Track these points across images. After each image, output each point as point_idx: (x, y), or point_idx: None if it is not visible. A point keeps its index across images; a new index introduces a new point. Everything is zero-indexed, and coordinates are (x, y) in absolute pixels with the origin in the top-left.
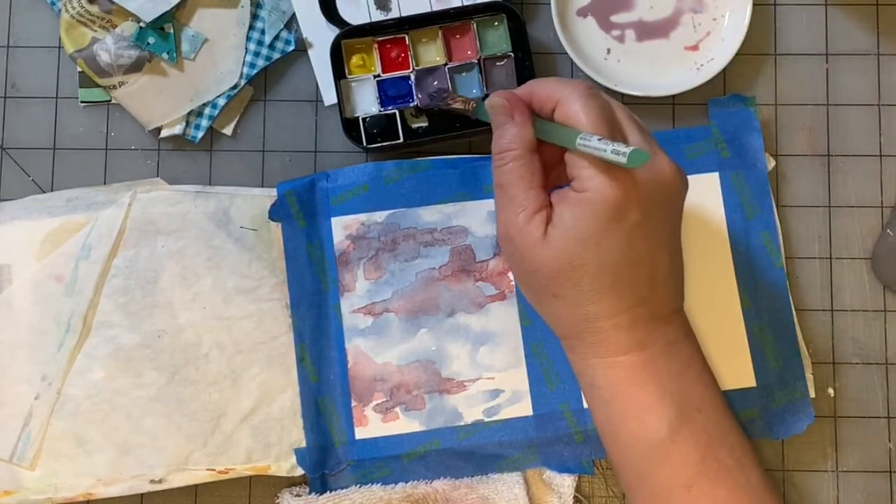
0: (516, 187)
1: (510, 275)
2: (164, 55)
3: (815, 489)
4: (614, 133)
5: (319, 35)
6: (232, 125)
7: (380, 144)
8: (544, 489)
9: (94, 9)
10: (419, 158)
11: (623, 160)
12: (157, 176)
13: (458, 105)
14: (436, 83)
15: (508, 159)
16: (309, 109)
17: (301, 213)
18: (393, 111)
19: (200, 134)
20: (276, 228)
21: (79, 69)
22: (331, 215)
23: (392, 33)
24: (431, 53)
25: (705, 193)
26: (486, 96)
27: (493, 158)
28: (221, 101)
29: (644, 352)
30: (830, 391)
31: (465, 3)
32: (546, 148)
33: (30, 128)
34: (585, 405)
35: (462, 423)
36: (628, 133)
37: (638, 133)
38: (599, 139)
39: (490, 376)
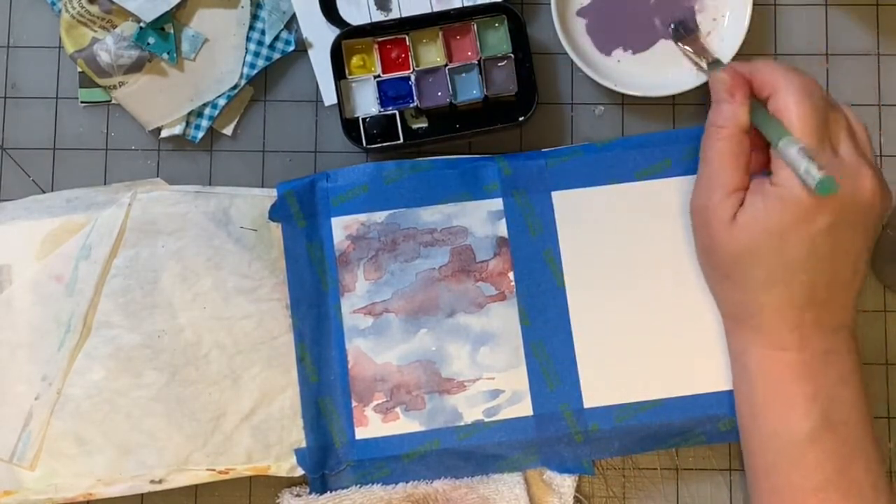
0: (722, 165)
1: (510, 275)
2: (165, 55)
3: None
4: (822, 141)
5: (319, 35)
6: (232, 125)
7: (380, 145)
8: (545, 489)
9: (94, 9)
10: (419, 159)
11: (811, 184)
12: (157, 176)
13: (692, 57)
14: (677, 15)
15: (721, 136)
16: (309, 109)
17: (301, 213)
18: (393, 112)
19: (200, 134)
20: (276, 228)
21: (79, 69)
22: (331, 215)
23: (392, 34)
24: (432, 54)
25: None
26: (717, 61)
27: (707, 130)
28: (221, 102)
29: (802, 353)
30: None
31: (466, 4)
32: (756, 130)
33: (30, 128)
34: (586, 405)
35: (462, 424)
36: (840, 142)
37: (849, 145)
38: (799, 150)
39: (490, 376)
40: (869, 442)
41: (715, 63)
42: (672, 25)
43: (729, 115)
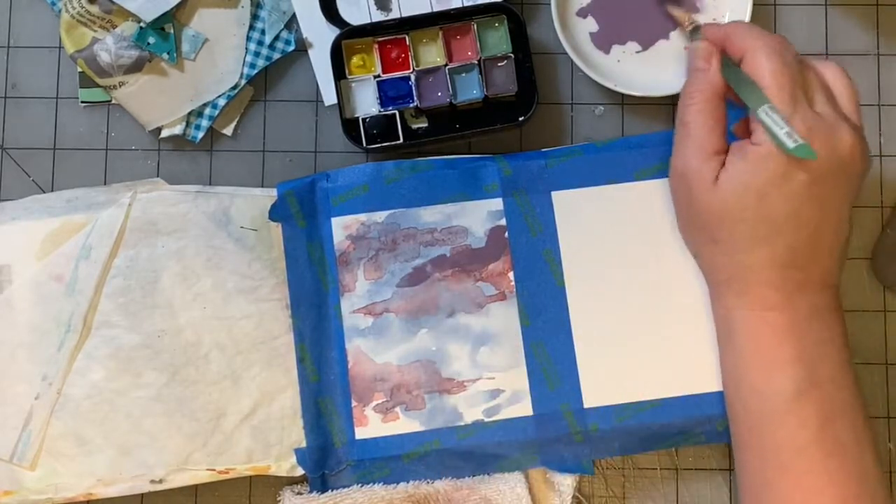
0: (701, 127)
1: (510, 275)
2: (165, 55)
3: None
4: (795, 98)
5: (319, 35)
6: (232, 125)
7: (380, 145)
8: (545, 489)
9: (95, 9)
10: (419, 159)
11: (788, 147)
12: (157, 176)
13: (677, 14)
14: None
15: (698, 99)
16: (309, 109)
17: (301, 213)
18: (393, 112)
19: (201, 134)
20: (276, 228)
21: (79, 69)
22: (331, 215)
23: (392, 34)
24: (432, 54)
25: None
26: (697, 28)
27: (683, 96)
28: (221, 101)
29: (787, 312)
30: None
31: (466, 4)
32: (732, 92)
33: (30, 128)
34: (586, 405)
35: (462, 423)
36: (816, 99)
37: (825, 102)
38: (775, 116)
39: (490, 376)
40: (854, 400)
41: (695, 31)
42: None
43: (706, 81)
